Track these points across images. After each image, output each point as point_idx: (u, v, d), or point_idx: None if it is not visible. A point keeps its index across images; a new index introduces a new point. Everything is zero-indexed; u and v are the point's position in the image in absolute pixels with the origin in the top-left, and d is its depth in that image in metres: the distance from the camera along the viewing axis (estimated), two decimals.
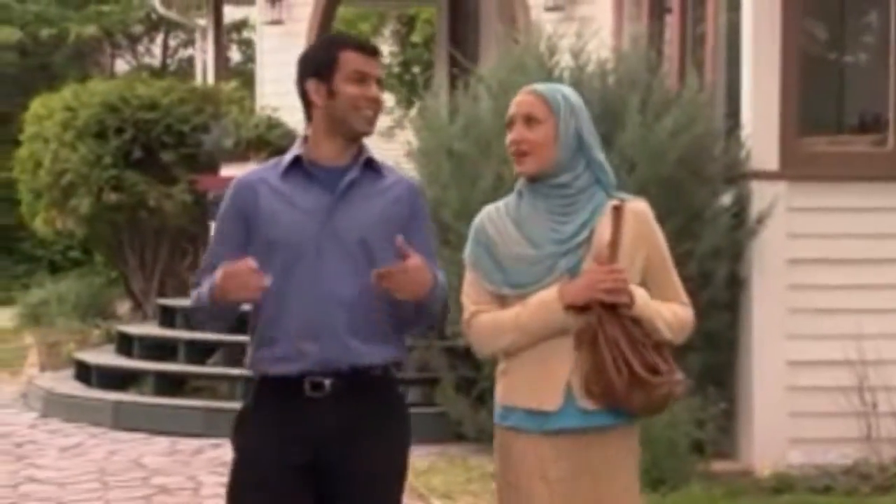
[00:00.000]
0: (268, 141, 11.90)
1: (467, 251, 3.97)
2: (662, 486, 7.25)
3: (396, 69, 20.40)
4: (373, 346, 3.82)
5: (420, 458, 8.24)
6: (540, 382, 3.81)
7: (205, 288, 3.78)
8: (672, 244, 7.86)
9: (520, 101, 3.92)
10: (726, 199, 8.05)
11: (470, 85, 8.81)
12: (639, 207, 3.91)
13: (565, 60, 8.53)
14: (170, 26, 21.92)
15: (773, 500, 7.29)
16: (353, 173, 3.86)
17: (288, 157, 3.90)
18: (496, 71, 8.74)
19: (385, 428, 3.87)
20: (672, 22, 9.45)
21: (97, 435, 9.75)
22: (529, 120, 3.87)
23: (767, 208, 7.87)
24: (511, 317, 3.83)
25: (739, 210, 8.02)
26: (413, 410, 9.54)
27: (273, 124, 12.27)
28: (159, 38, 22.65)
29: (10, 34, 20.08)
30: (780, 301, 7.92)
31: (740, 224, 7.99)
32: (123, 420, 9.98)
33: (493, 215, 3.96)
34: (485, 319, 3.87)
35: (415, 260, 3.70)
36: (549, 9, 10.59)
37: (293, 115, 12.46)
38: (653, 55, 8.69)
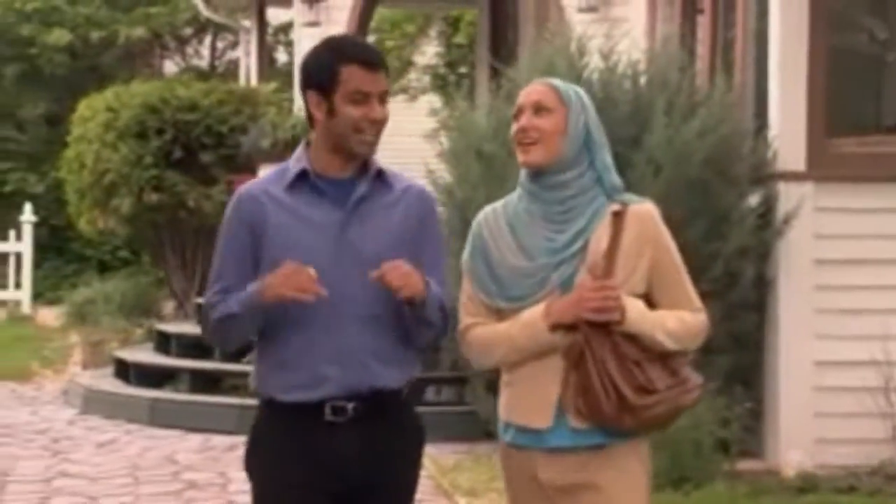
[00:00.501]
0: None
1: (465, 256, 3.85)
2: (686, 485, 7.27)
3: (442, 70, 20.47)
4: (391, 367, 3.73)
5: (447, 455, 8.32)
6: (532, 400, 3.72)
7: (238, 298, 3.65)
8: (699, 245, 7.94)
9: (529, 91, 3.80)
10: (753, 199, 8.06)
11: (502, 86, 8.86)
12: (643, 209, 3.75)
13: (595, 61, 8.57)
14: (217, 28, 22.09)
15: (795, 500, 7.29)
16: (362, 187, 3.73)
17: (293, 170, 3.75)
18: (526, 72, 8.78)
19: (403, 448, 3.81)
20: (703, 23, 9.47)
21: (133, 431, 9.89)
22: (539, 108, 3.74)
23: (794, 209, 7.88)
24: (502, 332, 3.74)
25: (766, 211, 8.04)
26: (444, 409, 9.65)
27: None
28: (207, 40, 22.82)
29: (61, 36, 20.31)
30: (807, 301, 7.93)
31: (767, 225, 8.00)
32: (159, 417, 10.11)
33: (489, 217, 3.84)
34: (478, 333, 3.79)
35: (396, 264, 3.61)
36: (582, 10, 10.62)
37: None
38: (683, 56, 8.71)
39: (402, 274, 3.60)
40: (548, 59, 8.60)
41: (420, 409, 8.76)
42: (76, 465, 8.72)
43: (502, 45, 13.89)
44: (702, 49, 9.41)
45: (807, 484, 7.50)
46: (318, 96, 3.70)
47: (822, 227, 7.94)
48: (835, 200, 7.95)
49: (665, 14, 10.12)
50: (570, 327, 3.65)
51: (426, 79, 20.58)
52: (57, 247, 19.98)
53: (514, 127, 3.79)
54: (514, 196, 3.84)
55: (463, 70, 20.00)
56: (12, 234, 17.77)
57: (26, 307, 17.52)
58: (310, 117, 3.75)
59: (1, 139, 20.70)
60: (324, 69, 3.70)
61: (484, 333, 3.77)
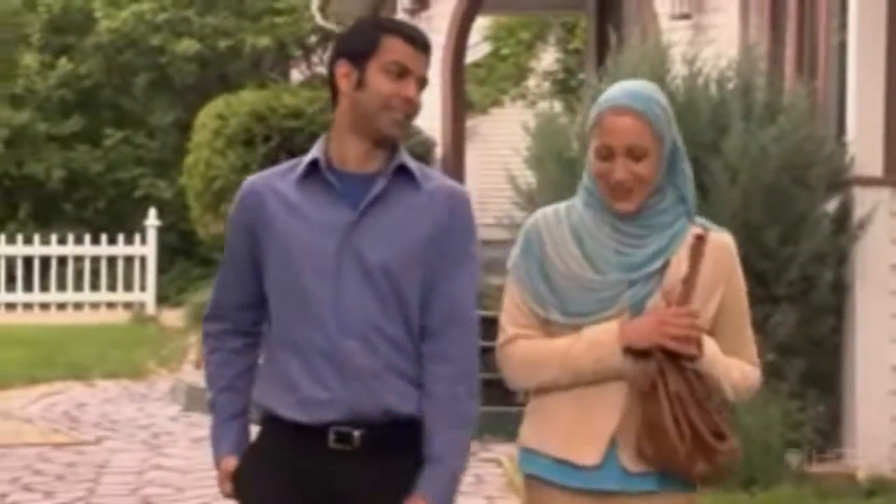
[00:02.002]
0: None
1: (513, 260, 3.41)
2: (754, 486, 7.36)
3: (561, 76, 20.62)
4: (410, 387, 3.27)
5: None
6: (578, 431, 3.31)
7: (220, 403, 3.62)
8: (775, 249, 7.98)
9: (618, 128, 3.27)
10: (830, 205, 8.12)
11: (584, 92, 9.02)
12: (723, 240, 3.38)
13: (678, 68, 8.68)
14: None
15: (862, 502, 7.34)
16: (380, 183, 3.25)
17: (305, 160, 3.30)
18: (611, 79, 8.91)
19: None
20: (791, 30, 9.52)
21: None
22: (634, 152, 3.28)
23: (870, 214, 7.93)
24: (558, 350, 3.31)
25: (843, 216, 8.09)
26: (523, 408, 9.71)
27: (411, 132, 12.58)
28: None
29: (189, 46, 20.85)
30: (884, 306, 7.98)
31: (843, 230, 8.05)
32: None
33: (550, 220, 3.39)
34: (525, 348, 3.35)
35: None
36: (675, 17, 10.71)
37: (431, 122, 12.78)
38: (767, 63, 8.79)
39: None
40: (632, 66, 8.74)
41: (500, 408, 8.89)
42: (170, 458, 9.06)
43: (608, 50, 13.97)
44: (789, 55, 9.47)
45: (877, 486, 7.54)
46: (349, 65, 3.25)
47: None
48: None
49: (756, 21, 10.18)
50: (641, 354, 3.27)
51: (546, 85, 20.76)
52: (185, 250, 20.47)
53: (601, 168, 3.29)
54: (576, 200, 3.40)
55: (582, 75, 20.14)
56: (137, 237, 18.33)
57: (150, 309, 18.02)
58: (334, 96, 3.30)
59: (132, 146, 21.34)
60: (362, 36, 3.29)
61: (532, 348, 3.35)
